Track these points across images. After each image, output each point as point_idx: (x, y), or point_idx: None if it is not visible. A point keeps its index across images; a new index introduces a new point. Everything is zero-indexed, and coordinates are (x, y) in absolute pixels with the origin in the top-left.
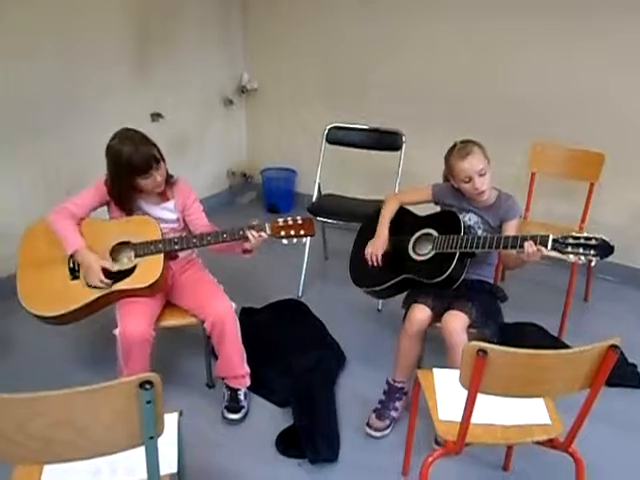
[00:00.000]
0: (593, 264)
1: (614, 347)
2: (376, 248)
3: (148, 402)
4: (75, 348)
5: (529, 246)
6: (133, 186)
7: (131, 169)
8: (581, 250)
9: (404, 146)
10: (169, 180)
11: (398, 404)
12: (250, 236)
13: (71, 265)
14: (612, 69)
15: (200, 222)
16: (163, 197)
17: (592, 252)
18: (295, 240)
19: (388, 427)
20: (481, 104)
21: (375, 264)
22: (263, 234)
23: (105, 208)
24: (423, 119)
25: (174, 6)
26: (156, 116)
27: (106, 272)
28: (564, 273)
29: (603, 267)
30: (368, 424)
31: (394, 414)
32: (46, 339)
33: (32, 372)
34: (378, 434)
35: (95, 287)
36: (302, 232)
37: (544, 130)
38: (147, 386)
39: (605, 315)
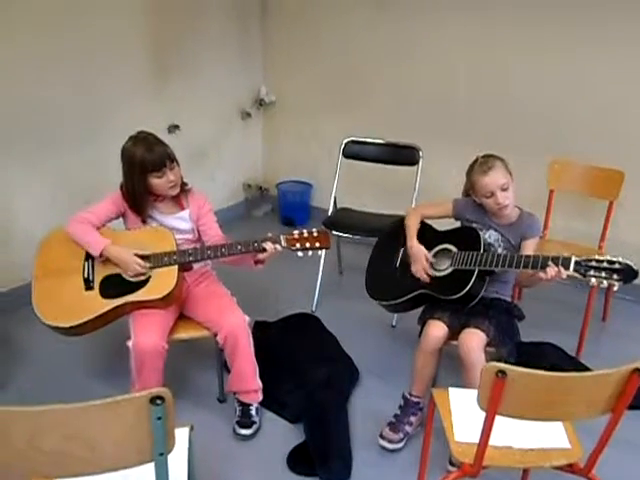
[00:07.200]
0: (615, 289)
1: (638, 371)
2: (420, 264)
3: (159, 418)
4: (88, 360)
5: (551, 269)
6: (146, 186)
7: (144, 167)
8: (603, 274)
9: (421, 161)
10: (184, 187)
11: (413, 419)
12: (267, 247)
13: (85, 275)
14: (632, 84)
15: (212, 232)
16: (178, 206)
17: (615, 276)
18: (310, 253)
19: (401, 440)
20: (498, 121)
21: (428, 280)
22: (278, 247)
23: (121, 220)
24: (440, 134)
25: (192, 19)
26: (173, 128)
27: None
28: (582, 292)
29: (621, 286)
30: (381, 435)
31: (408, 429)
32: (60, 350)
33: (45, 383)
34: (391, 446)
35: (137, 275)
36: (317, 244)
37: (563, 147)
38: (158, 401)
39: (623, 335)
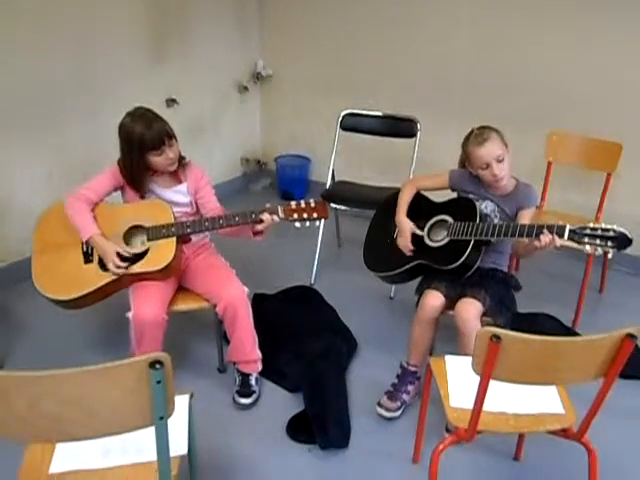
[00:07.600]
0: (610, 256)
1: (630, 336)
2: (405, 240)
3: (158, 382)
4: (88, 331)
5: (545, 237)
6: (145, 164)
7: (143, 145)
8: (598, 241)
9: (419, 133)
10: (181, 162)
11: (410, 388)
12: (265, 218)
13: (84, 249)
14: (630, 57)
15: (210, 205)
16: (176, 180)
17: (609, 244)
18: (308, 223)
19: (399, 409)
20: (497, 92)
21: (411, 253)
22: (275, 217)
23: (119, 193)
24: (438, 106)
25: None
26: (171, 102)
27: (121, 257)
28: (579, 264)
29: (619, 258)
30: (379, 404)
31: (405, 397)
32: (60, 322)
33: (45, 355)
34: (388, 414)
35: (112, 272)
36: (315, 215)
37: (561, 118)
38: (157, 366)
39: (620, 307)
